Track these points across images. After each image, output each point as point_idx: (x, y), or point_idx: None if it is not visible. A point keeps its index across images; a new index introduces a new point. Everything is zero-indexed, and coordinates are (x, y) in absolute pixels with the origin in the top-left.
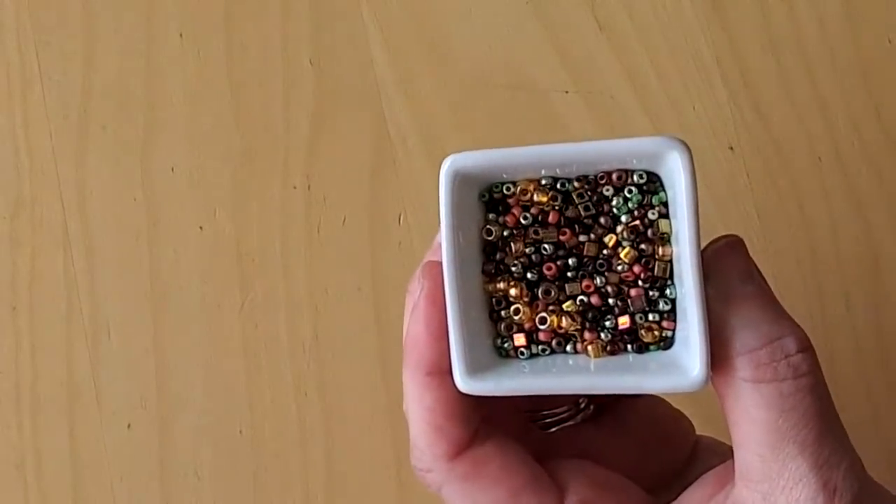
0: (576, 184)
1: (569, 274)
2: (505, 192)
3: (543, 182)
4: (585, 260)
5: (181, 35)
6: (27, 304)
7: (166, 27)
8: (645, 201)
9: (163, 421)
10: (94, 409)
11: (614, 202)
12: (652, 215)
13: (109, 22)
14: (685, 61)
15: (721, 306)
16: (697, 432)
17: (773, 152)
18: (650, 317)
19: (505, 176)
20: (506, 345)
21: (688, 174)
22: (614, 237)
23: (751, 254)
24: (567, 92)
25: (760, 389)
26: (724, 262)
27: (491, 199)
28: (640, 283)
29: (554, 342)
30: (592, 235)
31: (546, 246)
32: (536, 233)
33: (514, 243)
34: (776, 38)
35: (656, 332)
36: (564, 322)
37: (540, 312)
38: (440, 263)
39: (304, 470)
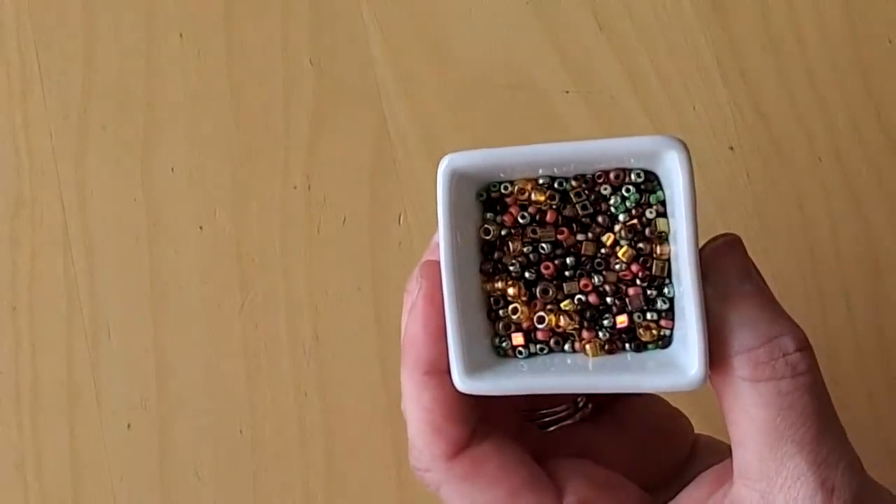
0: (573, 183)
1: (567, 273)
2: (503, 191)
3: (541, 181)
4: (583, 259)
5: (181, 35)
6: (27, 304)
7: (166, 27)
8: (643, 200)
9: (163, 421)
10: (94, 409)
11: (612, 201)
12: (650, 214)
13: (109, 22)
14: (685, 61)
15: (719, 305)
16: (696, 431)
17: (773, 152)
18: (648, 316)
19: (502, 175)
20: (504, 344)
21: (685, 173)
22: (612, 236)
23: (751, 254)
24: (567, 92)
25: (759, 388)
26: (722, 260)
27: (489, 198)
28: (638, 281)
29: (552, 341)
30: (590, 234)
31: (544, 245)
32: (534, 232)
33: (512, 242)
34: (776, 38)
35: (654, 331)
36: (562, 321)
37: (538, 311)
38: (438, 263)
39: (304, 470)
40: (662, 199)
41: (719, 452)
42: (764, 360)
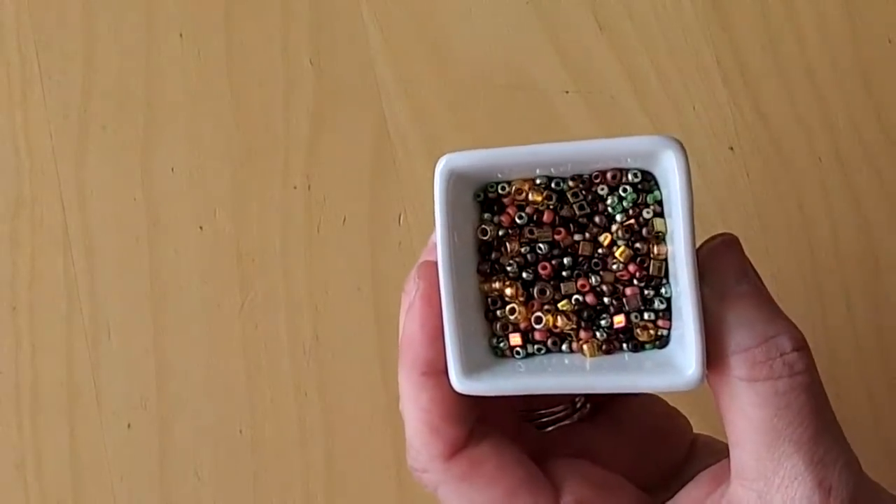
0: (570, 183)
1: (564, 273)
2: (500, 191)
3: (538, 181)
4: (580, 259)
5: (181, 35)
6: (27, 304)
7: (166, 27)
8: (640, 200)
9: (163, 421)
10: (94, 409)
11: (609, 201)
12: (647, 214)
13: (109, 22)
14: (685, 61)
15: (716, 305)
16: (695, 430)
17: (773, 152)
18: (645, 316)
19: (500, 175)
20: (501, 344)
21: (682, 173)
22: (609, 236)
23: (751, 254)
24: (567, 92)
25: (756, 388)
26: (719, 260)
27: (486, 198)
28: (635, 281)
29: (549, 342)
30: (587, 234)
31: (541, 245)
32: (531, 232)
33: (510, 243)
34: (776, 38)
35: (652, 331)
36: (560, 321)
37: (535, 312)
38: (435, 263)
39: (304, 470)
40: (659, 198)
41: (718, 452)
42: (761, 359)
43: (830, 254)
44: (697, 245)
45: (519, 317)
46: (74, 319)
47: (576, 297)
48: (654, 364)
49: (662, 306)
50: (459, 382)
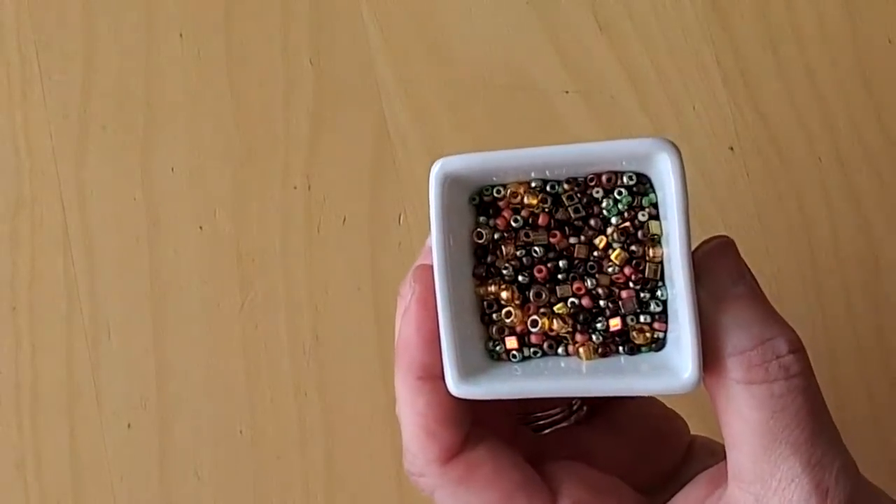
0: (566, 186)
1: (560, 276)
2: (495, 194)
3: (533, 184)
4: (576, 262)
5: (181, 35)
6: (27, 304)
7: (166, 27)
8: (635, 203)
9: (163, 421)
10: (94, 409)
11: (604, 204)
12: (642, 217)
13: (109, 22)
14: (685, 61)
15: (712, 307)
16: (694, 432)
17: (773, 152)
18: (641, 318)
19: (495, 179)
20: (497, 348)
21: (677, 175)
22: (605, 239)
23: (751, 254)
24: (567, 92)
25: (752, 390)
26: (714, 263)
27: (481, 202)
28: (630, 284)
29: (545, 345)
30: (583, 237)
31: (536, 248)
32: (527, 235)
33: (505, 246)
34: (776, 37)
35: (648, 334)
36: (556, 324)
37: (531, 315)
38: (431, 267)
39: (304, 470)
40: (655, 201)
41: (715, 454)
42: (757, 362)
43: (830, 254)
44: (693, 247)
45: (515, 320)
46: (74, 319)
47: (572, 300)
48: (650, 367)
49: (658, 309)
50: (456, 386)
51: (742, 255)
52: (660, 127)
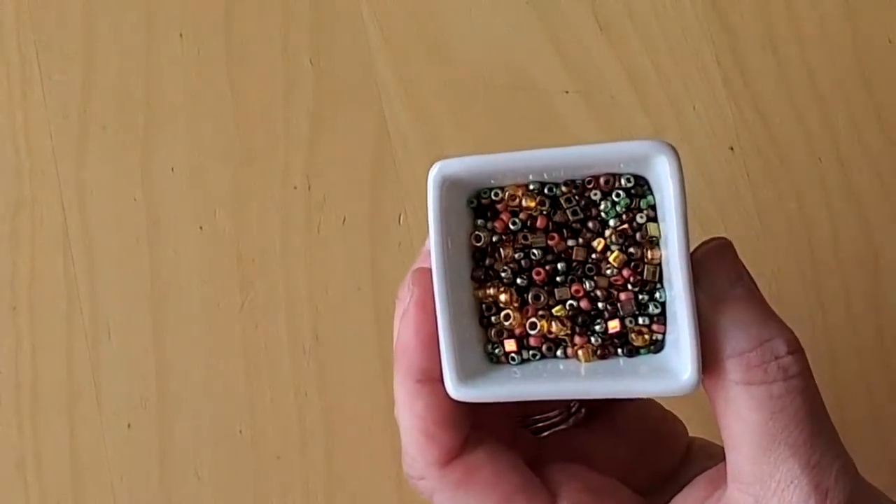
0: (563, 188)
1: (558, 279)
2: (493, 197)
3: (531, 187)
4: (574, 264)
5: (181, 35)
6: (27, 304)
7: (166, 27)
8: (633, 205)
9: (163, 421)
10: (94, 409)
11: (602, 206)
12: (640, 219)
13: (109, 22)
14: (685, 61)
15: (711, 309)
16: (696, 435)
17: (773, 152)
18: (640, 320)
19: (493, 181)
20: (496, 351)
21: (675, 178)
22: (603, 241)
23: (751, 254)
24: (567, 92)
25: (751, 391)
26: (713, 264)
27: (479, 204)
28: (629, 286)
29: (544, 347)
30: (581, 240)
31: (535, 251)
32: (525, 238)
33: (503, 249)
34: (776, 37)
35: (646, 336)
36: (554, 327)
37: (530, 318)
38: (429, 270)
39: (304, 470)
40: (653, 203)
41: (714, 456)
42: (756, 363)
43: (830, 254)
44: (691, 249)
45: (513, 323)
46: (74, 319)
47: (570, 302)
48: (649, 369)
49: (657, 311)
50: (455, 389)
51: (742, 255)
52: (660, 127)
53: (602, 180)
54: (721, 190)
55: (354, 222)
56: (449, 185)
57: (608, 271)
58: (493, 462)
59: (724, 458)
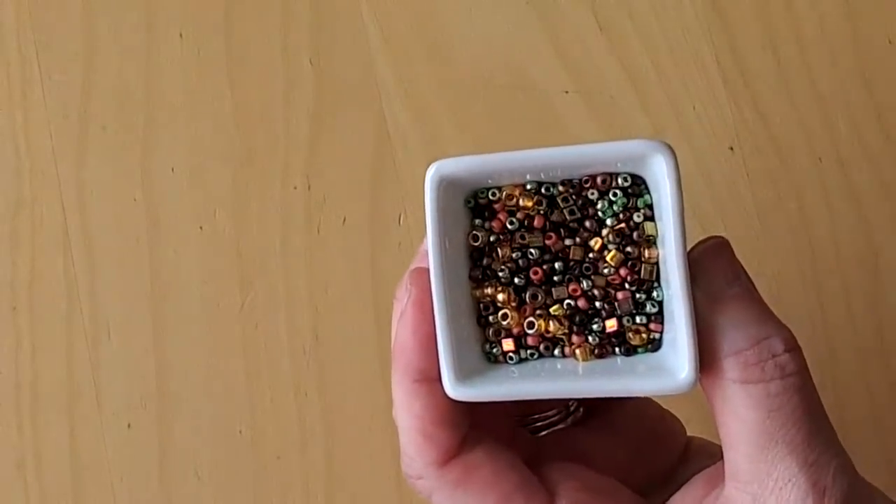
0: (560, 188)
1: (555, 278)
2: (490, 197)
3: (528, 187)
4: (571, 264)
5: (181, 35)
6: (27, 304)
7: (166, 27)
8: (630, 204)
9: (163, 421)
10: (94, 409)
11: (599, 205)
12: (637, 218)
13: (109, 22)
14: (685, 61)
15: (708, 308)
16: (695, 434)
17: (773, 152)
18: (637, 319)
19: (490, 181)
20: (494, 350)
21: (672, 177)
22: (600, 240)
23: (751, 254)
24: (567, 92)
25: (748, 390)
26: (710, 263)
27: (477, 204)
28: (626, 285)
29: (542, 346)
30: (578, 239)
31: (532, 250)
32: (522, 237)
33: (501, 248)
34: (776, 37)
35: (644, 335)
36: (552, 326)
37: (527, 317)
38: (427, 270)
39: (304, 470)
40: (650, 202)
41: (712, 455)
42: (753, 361)
43: (830, 254)
44: (688, 248)
45: (511, 322)
46: (74, 319)
47: (567, 301)
48: (646, 367)
49: (654, 310)
50: (453, 389)
51: (742, 255)
52: (659, 127)
53: (599, 180)
54: (721, 190)
55: (354, 222)
56: (446, 185)
57: (605, 270)
58: (491, 461)
59: (721, 457)
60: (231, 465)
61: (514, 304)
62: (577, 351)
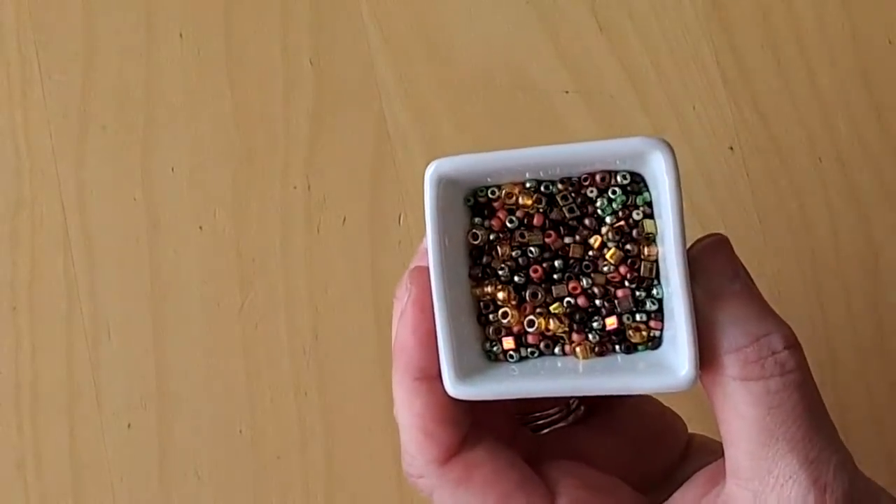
0: (560, 186)
1: (555, 276)
2: (490, 195)
3: (528, 185)
4: (571, 262)
5: (181, 35)
6: (27, 304)
7: (166, 27)
8: (629, 202)
9: (163, 421)
10: (94, 409)
11: (598, 203)
12: (637, 216)
13: (109, 22)
14: (685, 61)
15: (708, 305)
16: (696, 431)
17: (773, 152)
18: (637, 317)
19: (489, 180)
20: (494, 348)
21: (671, 174)
22: (599, 238)
23: (751, 254)
24: (567, 92)
25: (748, 387)
26: (709, 260)
27: (476, 203)
28: (626, 283)
29: (542, 345)
30: (577, 237)
31: (532, 249)
32: (522, 236)
33: (501, 247)
34: (776, 37)
35: (644, 333)
36: (552, 324)
37: (528, 315)
38: (427, 269)
39: (304, 470)
40: (649, 200)
41: (713, 452)
42: (753, 358)
43: (830, 254)
44: (688, 246)
45: (511, 320)
46: (74, 319)
47: (567, 299)
48: (647, 365)
49: (654, 307)
50: (453, 387)
51: (742, 255)
52: (659, 127)
53: (598, 177)
54: (721, 190)
55: (354, 222)
56: (445, 184)
57: (605, 268)
58: (492, 460)
59: (722, 455)
60: (231, 465)
61: (514, 303)
62: (578, 349)
